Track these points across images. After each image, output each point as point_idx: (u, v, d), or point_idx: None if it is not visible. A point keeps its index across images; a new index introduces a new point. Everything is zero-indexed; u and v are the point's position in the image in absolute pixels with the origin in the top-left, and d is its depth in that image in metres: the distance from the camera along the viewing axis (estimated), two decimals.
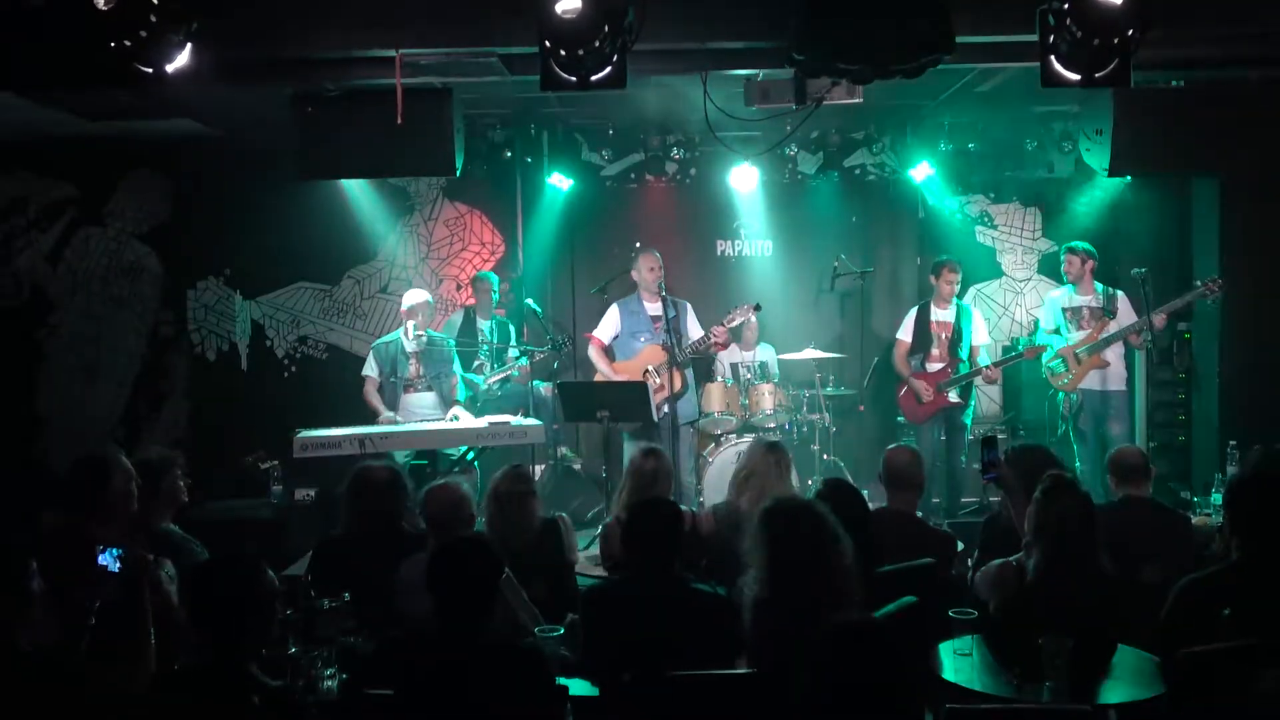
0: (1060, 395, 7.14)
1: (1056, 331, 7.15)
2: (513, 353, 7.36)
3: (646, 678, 3.11)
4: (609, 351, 7.05)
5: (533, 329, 7.94)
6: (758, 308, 6.89)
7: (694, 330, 6.89)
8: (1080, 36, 4.09)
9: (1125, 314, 6.93)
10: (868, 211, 8.34)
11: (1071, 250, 7.06)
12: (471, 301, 7.66)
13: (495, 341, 7.40)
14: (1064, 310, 7.11)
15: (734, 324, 6.88)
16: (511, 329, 7.67)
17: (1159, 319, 6.65)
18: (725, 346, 7.38)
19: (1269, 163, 6.33)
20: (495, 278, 7.72)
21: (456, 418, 6.55)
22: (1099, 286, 7.04)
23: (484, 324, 7.44)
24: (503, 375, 7.28)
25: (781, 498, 3.59)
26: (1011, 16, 4.54)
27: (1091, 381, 6.96)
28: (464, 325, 7.37)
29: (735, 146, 7.63)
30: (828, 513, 3.40)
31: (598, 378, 6.93)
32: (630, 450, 6.87)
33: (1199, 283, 6.72)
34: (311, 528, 5.88)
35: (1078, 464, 6.93)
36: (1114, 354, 6.97)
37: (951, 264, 7.20)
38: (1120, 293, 7.03)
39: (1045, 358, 7.08)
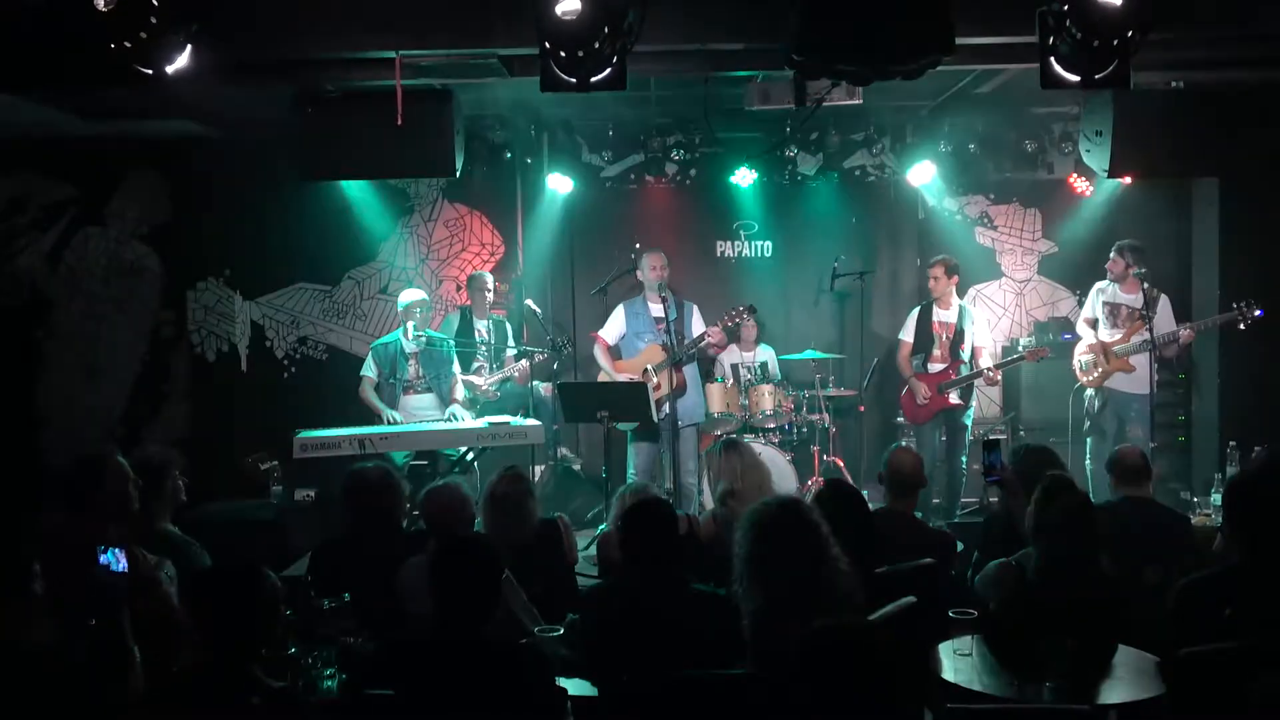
0: (1087, 392, 7.06)
1: (1095, 324, 7.08)
2: (511, 353, 7.36)
3: (646, 678, 3.11)
4: (615, 351, 7.06)
5: (533, 330, 7.94)
6: (752, 310, 6.90)
7: (698, 330, 6.91)
8: (1080, 38, 4.09)
9: (1165, 320, 6.76)
10: (868, 212, 8.34)
11: (1119, 250, 6.92)
12: (468, 302, 7.67)
13: (493, 341, 7.40)
14: (1105, 304, 7.04)
15: (728, 325, 6.89)
16: (509, 328, 7.67)
17: (1186, 334, 6.60)
18: (723, 348, 7.40)
19: (1269, 164, 6.34)
20: (489, 276, 7.71)
21: (455, 415, 6.55)
22: (1145, 287, 6.89)
23: (481, 324, 7.44)
24: (501, 377, 7.28)
25: (766, 501, 3.56)
26: (1011, 18, 4.55)
27: (1118, 382, 6.87)
28: (461, 326, 7.37)
29: (735, 147, 7.63)
30: (814, 512, 3.39)
31: (601, 377, 6.95)
32: (635, 452, 6.88)
33: (1235, 306, 6.55)
34: (311, 528, 5.89)
35: (1088, 462, 6.90)
36: (1139, 359, 6.80)
37: (937, 260, 7.19)
38: (1164, 297, 6.86)
39: (1078, 351, 7.04)
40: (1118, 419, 6.89)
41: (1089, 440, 7.03)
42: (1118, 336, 6.90)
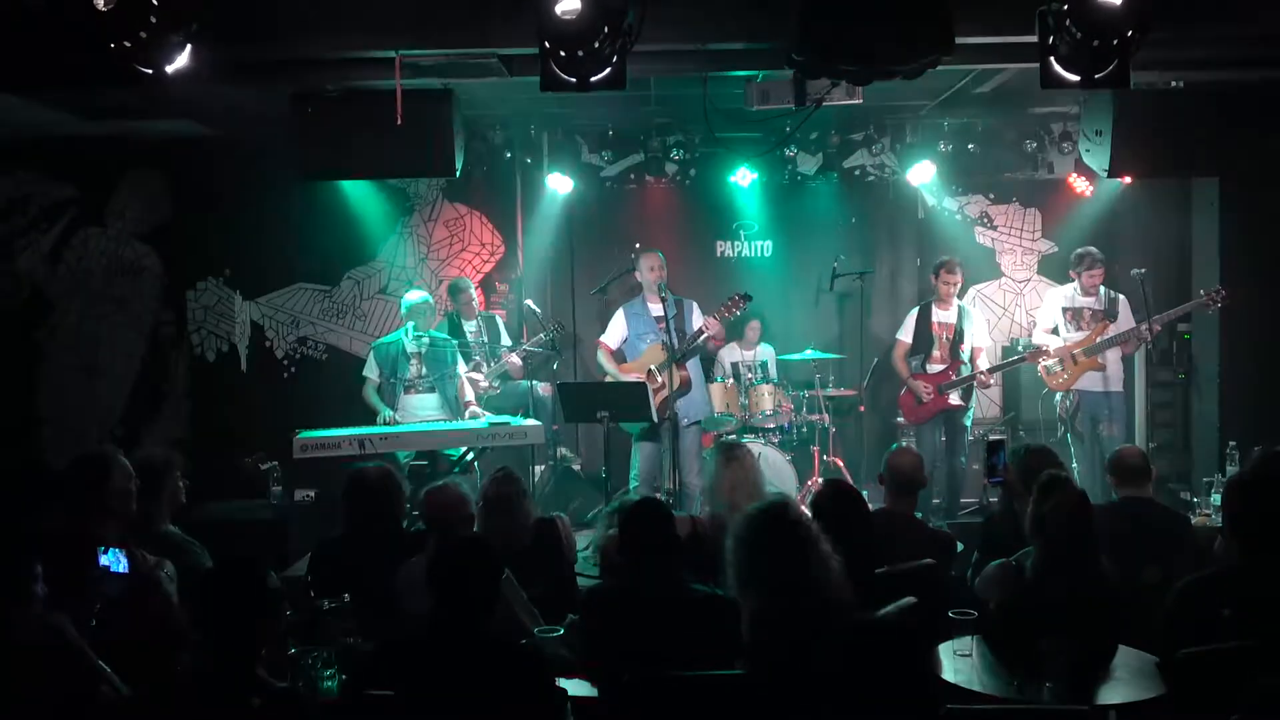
0: (1057, 395, 7.14)
1: (1054, 331, 7.15)
2: (505, 345, 7.40)
3: (646, 678, 3.11)
4: (619, 355, 7.06)
5: (533, 329, 7.94)
6: (748, 297, 6.85)
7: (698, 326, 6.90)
8: (1080, 37, 4.09)
9: (1125, 318, 6.94)
10: (867, 212, 8.34)
11: (1096, 259, 6.99)
12: (451, 307, 7.67)
13: (486, 339, 7.42)
14: (1064, 310, 7.12)
15: (725, 316, 6.87)
16: (499, 321, 7.70)
17: (1154, 326, 6.65)
18: (721, 341, 7.37)
19: (1268, 164, 6.33)
20: (469, 282, 7.73)
21: (477, 415, 6.56)
22: (1102, 289, 7.04)
23: (470, 324, 7.47)
24: (497, 370, 7.31)
25: (755, 505, 3.55)
26: (1011, 17, 4.55)
27: (1088, 382, 6.96)
28: (450, 331, 7.37)
29: (735, 147, 7.63)
30: (802, 513, 3.39)
31: (608, 380, 6.95)
32: (639, 451, 6.88)
33: (1202, 292, 6.72)
34: (311, 528, 5.89)
35: (1074, 464, 6.93)
36: (1111, 355, 6.97)
37: (949, 264, 7.19)
38: (1122, 296, 7.03)
39: (1042, 358, 7.08)
40: (1091, 419, 6.94)
41: (1070, 443, 7.07)
42: (1082, 339, 6.96)
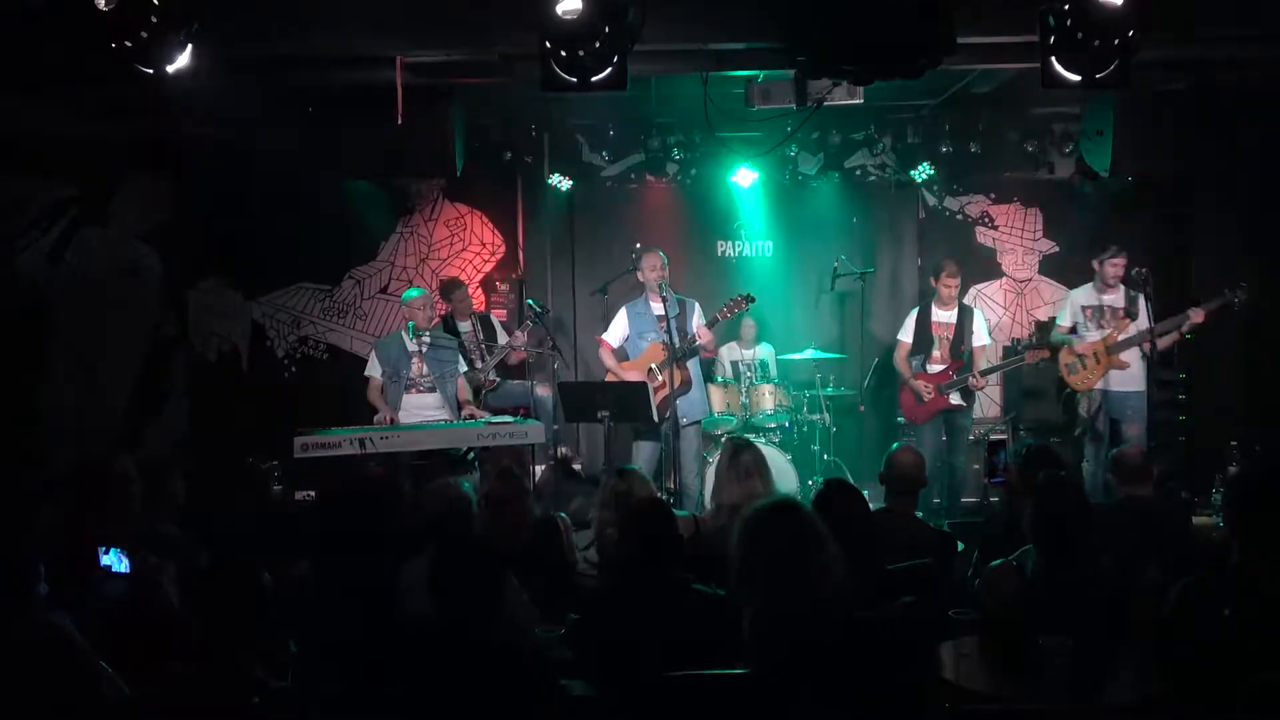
0: (1079, 395, 7.05)
1: (1073, 330, 7.07)
2: (500, 342, 7.42)
3: (647, 678, 3.11)
4: (620, 353, 7.06)
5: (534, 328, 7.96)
6: (750, 299, 6.84)
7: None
8: (1081, 38, 4.10)
9: (1145, 317, 6.79)
10: (868, 212, 8.35)
11: (1119, 249, 6.88)
12: (445, 308, 7.67)
13: (482, 337, 7.42)
14: (1084, 309, 7.03)
15: (727, 316, 6.83)
16: (494, 320, 7.71)
17: (1197, 314, 6.53)
18: (713, 352, 7.35)
19: (1269, 163, 6.34)
20: (462, 283, 7.74)
21: (474, 415, 6.57)
22: (1122, 288, 6.96)
23: (464, 324, 7.47)
24: (495, 361, 7.32)
25: (761, 503, 3.55)
26: (1012, 18, 4.56)
27: (1110, 382, 6.88)
28: (444, 331, 7.37)
29: (736, 147, 7.63)
30: (810, 512, 3.38)
31: (609, 378, 6.95)
32: (637, 450, 6.88)
33: (1226, 290, 6.55)
34: (312, 528, 5.88)
35: (1085, 463, 6.89)
36: (1132, 355, 6.89)
37: (949, 266, 7.17)
38: (1143, 295, 6.94)
39: (1062, 357, 7.03)
40: (1112, 419, 6.88)
41: (1085, 443, 7.02)
42: (1103, 337, 6.91)
